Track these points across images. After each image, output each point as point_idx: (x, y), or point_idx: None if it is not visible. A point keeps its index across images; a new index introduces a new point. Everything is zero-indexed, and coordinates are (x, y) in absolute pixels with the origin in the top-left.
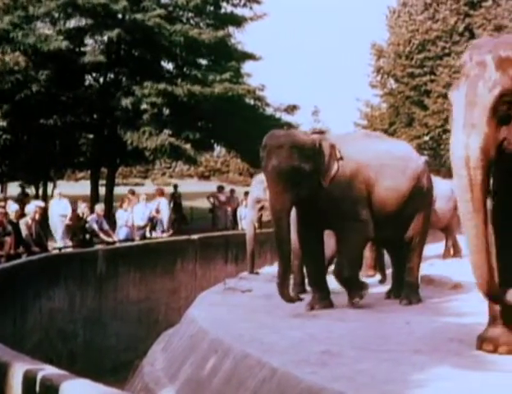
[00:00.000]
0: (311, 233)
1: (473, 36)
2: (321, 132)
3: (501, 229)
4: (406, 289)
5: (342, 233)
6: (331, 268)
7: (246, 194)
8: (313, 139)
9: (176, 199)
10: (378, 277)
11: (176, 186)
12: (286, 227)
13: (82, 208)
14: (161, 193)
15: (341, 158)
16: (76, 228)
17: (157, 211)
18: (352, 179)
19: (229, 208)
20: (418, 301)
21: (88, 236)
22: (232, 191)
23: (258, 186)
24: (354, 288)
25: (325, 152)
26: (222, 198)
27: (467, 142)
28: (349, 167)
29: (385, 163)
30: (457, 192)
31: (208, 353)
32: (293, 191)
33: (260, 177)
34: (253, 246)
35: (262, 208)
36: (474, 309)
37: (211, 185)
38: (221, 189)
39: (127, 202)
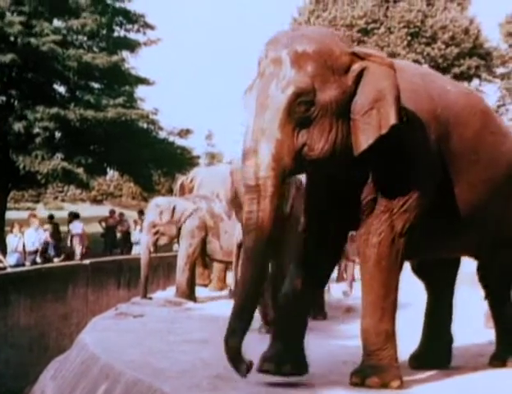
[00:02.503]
0: None
1: None
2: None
3: (313, 235)
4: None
5: None
6: None
7: (140, 213)
8: None
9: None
10: None
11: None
12: None
13: None
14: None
15: None
16: None
17: (51, 235)
18: None
19: (119, 233)
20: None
21: None
22: (121, 215)
23: (154, 211)
24: None
25: None
26: (112, 221)
27: (255, 149)
28: None
29: None
30: (244, 203)
31: (99, 379)
32: None
33: (156, 201)
34: (147, 271)
35: (157, 233)
36: None
37: (104, 209)
38: (112, 213)
39: (17, 227)
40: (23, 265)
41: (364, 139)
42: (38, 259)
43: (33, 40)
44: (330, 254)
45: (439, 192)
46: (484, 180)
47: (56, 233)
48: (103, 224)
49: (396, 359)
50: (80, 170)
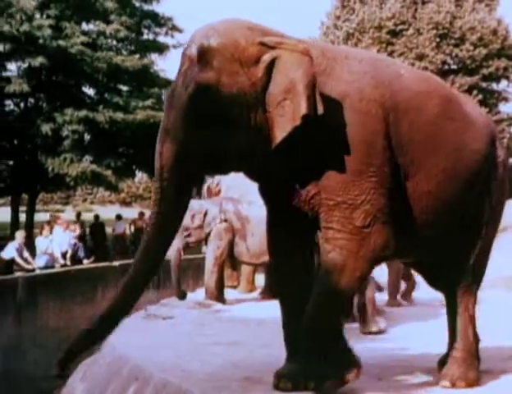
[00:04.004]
0: None
1: None
2: None
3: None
4: None
5: None
6: None
7: None
8: None
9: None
10: None
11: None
12: None
13: None
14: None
15: None
16: None
17: (79, 238)
18: None
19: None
20: None
21: None
22: (141, 214)
23: (186, 214)
24: None
25: None
26: (141, 223)
27: (161, 151)
28: None
29: None
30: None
31: (128, 381)
32: None
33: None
34: (178, 274)
35: (188, 236)
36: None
37: (133, 212)
38: (141, 215)
39: (47, 229)
40: (52, 267)
41: (279, 133)
42: (68, 261)
43: (62, 43)
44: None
45: (394, 187)
46: (444, 170)
47: (99, 233)
48: (132, 226)
49: None
50: (109, 172)
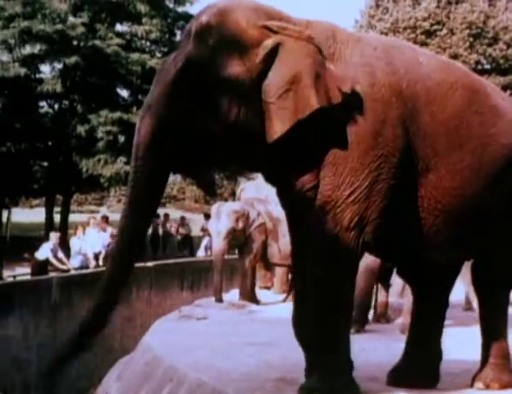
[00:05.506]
0: None
1: None
2: None
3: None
4: None
5: None
6: None
7: (207, 216)
8: None
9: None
10: None
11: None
12: None
13: None
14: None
15: None
16: None
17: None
18: None
19: (179, 236)
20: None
21: None
22: (183, 218)
23: (231, 217)
24: None
25: None
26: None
27: (139, 126)
28: None
29: None
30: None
31: (162, 381)
32: None
33: (231, 208)
34: (220, 279)
35: (233, 238)
36: None
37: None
38: (166, 217)
39: (81, 230)
40: (87, 267)
41: (278, 126)
42: (101, 262)
43: (97, 42)
44: None
45: (408, 179)
46: (469, 167)
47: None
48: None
49: None
50: None
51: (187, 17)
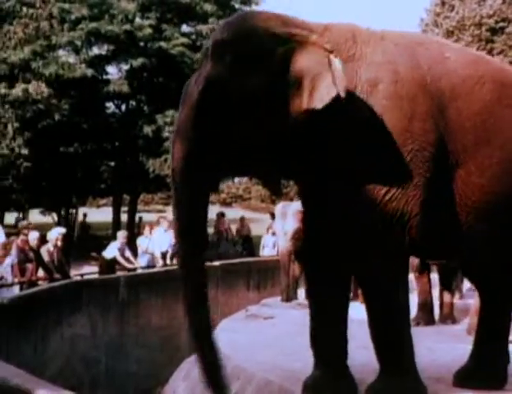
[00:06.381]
0: None
1: None
2: None
3: None
4: None
5: None
6: None
7: (273, 215)
8: None
9: None
10: None
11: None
12: None
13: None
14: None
15: None
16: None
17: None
18: None
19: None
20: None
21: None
22: (242, 219)
23: (298, 217)
24: None
25: None
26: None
27: (172, 152)
28: None
29: None
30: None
31: (230, 380)
32: None
33: (297, 207)
34: (288, 278)
35: (298, 239)
36: None
37: (233, 212)
38: (221, 215)
39: (148, 229)
40: (153, 266)
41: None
42: (168, 261)
43: (163, 44)
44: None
45: (442, 174)
46: (499, 163)
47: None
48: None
49: None
50: None
51: None
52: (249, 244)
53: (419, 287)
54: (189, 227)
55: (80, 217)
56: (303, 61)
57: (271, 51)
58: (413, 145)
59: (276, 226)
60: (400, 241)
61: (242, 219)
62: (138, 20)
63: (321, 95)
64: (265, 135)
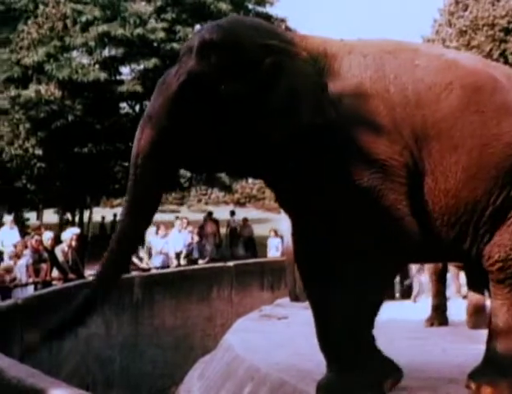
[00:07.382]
0: None
1: (506, 62)
2: None
3: None
4: None
5: None
6: None
7: None
8: None
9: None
10: None
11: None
12: None
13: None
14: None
15: None
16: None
17: (201, 236)
18: None
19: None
20: None
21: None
22: (245, 220)
23: None
24: None
25: None
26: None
27: (139, 137)
28: None
29: None
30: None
31: (244, 380)
32: None
33: None
34: (294, 276)
35: None
36: None
37: (247, 212)
38: (232, 214)
39: (162, 229)
40: (168, 267)
41: (278, 134)
42: (183, 261)
43: (176, 45)
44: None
45: (413, 181)
46: (466, 169)
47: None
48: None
49: None
50: (223, 173)
51: (267, 17)
52: (252, 245)
53: (434, 289)
54: (140, 207)
55: (96, 218)
56: (293, 77)
57: (258, 60)
58: (378, 157)
59: (282, 227)
60: (379, 246)
61: (245, 220)
62: (151, 22)
63: (320, 109)
64: (239, 141)
